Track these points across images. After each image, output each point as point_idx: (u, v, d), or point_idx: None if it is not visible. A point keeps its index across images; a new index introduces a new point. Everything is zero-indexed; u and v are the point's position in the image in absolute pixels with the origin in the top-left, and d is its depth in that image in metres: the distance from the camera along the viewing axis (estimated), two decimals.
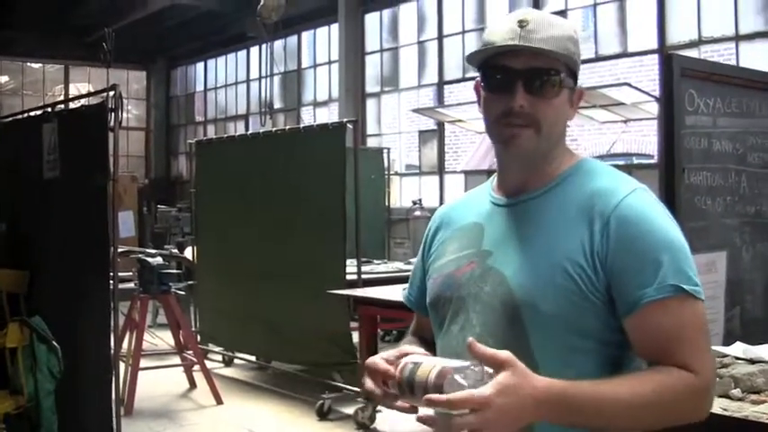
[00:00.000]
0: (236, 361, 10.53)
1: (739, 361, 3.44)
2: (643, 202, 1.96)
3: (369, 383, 1.94)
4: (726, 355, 3.46)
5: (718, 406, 2.93)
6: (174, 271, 10.01)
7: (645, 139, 14.52)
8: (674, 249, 1.91)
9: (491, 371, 1.72)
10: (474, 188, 2.35)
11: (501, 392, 1.69)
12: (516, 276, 1.97)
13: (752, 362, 3.41)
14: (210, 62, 22.94)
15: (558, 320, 1.91)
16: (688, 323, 1.89)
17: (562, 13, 12.67)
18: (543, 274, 1.93)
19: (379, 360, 1.93)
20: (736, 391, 3.12)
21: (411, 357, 1.85)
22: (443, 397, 1.68)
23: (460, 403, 1.67)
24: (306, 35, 19.16)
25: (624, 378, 1.87)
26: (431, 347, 2.19)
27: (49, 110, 6.25)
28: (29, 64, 22.87)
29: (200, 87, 23.65)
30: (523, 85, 1.98)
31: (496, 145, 2.11)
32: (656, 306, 1.86)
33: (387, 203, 13.32)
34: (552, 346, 1.93)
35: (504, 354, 1.73)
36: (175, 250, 13.00)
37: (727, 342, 3.78)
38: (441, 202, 13.95)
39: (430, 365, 1.76)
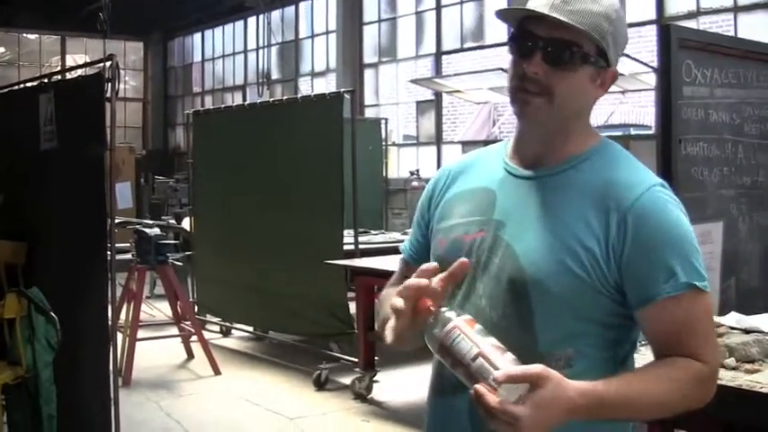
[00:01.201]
0: (233, 332, 10.57)
1: (734, 331, 3.46)
2: (659, 199, 1.96)
3: (399, 302, 1.86)
4: (720, 325, 3.48)
5: None
6: (172, 242, 10.03)
7: (643, 110, 14.51)
8: (688, 246, 1.93)
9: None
10: (484, 149, 2.32)
11: (537, 406, 1.69)
12: (528, 254, 1.96)
13: (746, 331, 3.43)
14: (208, 33, 22.88)
15: (564, 303, 1.92)
16: (699, 317, 1.94)
17: None
18: (556, 256, 1.92)
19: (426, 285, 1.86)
20: (731, 361, 3.14)
21: (458, 323, 1.80)
22: (487, 401, 1.68)
23: (496, 412, 1.68)
24: (303, 5, 19.08)
25: (647, 372, 1.92)
26: None
27: (46, 80, 6.23)
28: (25, 35, 22.79)
29: (197, 58, 23.59)
30: (542, 53, 1.95)
31: (514, 112, 2.07)
32: (670, 301, 1.89)
33: (384, 174, 13.31)
34: (556, 327, 1.94)
35: (537, 368, 1.72)
36: (173, 221, 13.02)
37: (723, 312, 3.79)
38: None
39: (470, 343, 1.76)
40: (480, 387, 1.69)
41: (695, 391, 1.91)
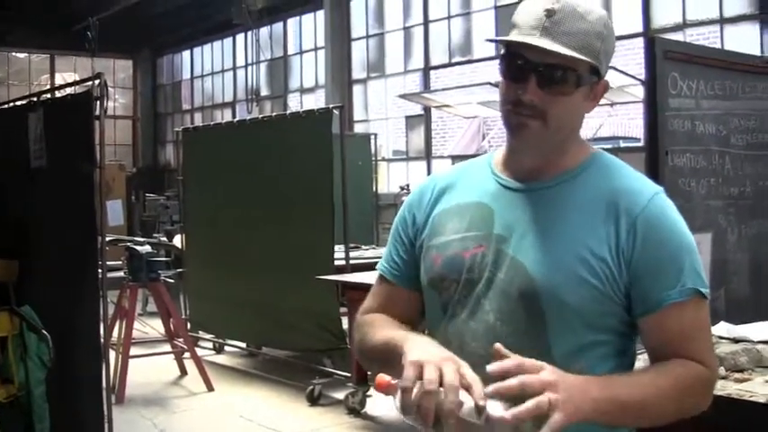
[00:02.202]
0: (226, 348, 10.55)
1: (723, 340, 3.49)
2: (665, 206, 1.99)
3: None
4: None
5: None
6: (164, 259, 10.04)
7: (632, 123, 14.56)
8: (692, 253, 1.96)
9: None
10: (466, 162, 2.29)
11: (560, 379, 1.75)
12: (538, 266, 1.95)
13: (735, 341, 3.46)
14: (197, 50, 22.90)
15: (578, 312, 1.92)
16: (702, 324, 1.98)
17: None
18: (567, 266, 1.92)
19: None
20: (720, 370, 3.16)
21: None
22: (515, 381, 1.71)
23: (531, 384, 1.72)
24: (291, 22, 19.11)
25: (656, 372, 1.93)
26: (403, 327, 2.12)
27: (35, 99, 6.24)
28: (14, 54, 22.78)
29: (186, 75, 23.60)
30: (536, 79, 1.94)
31: (506, 129, 2.06)
32: (677, 307, 1.92)
33: (374, 189, 13.33)
34: (569, 337, 1.94)
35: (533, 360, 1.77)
36: (164, 238, 13.01)
37: (712, 322, 3.80)
38: None
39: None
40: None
41: (701, 395, 1.95)
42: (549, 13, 1.93)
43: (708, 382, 1.96)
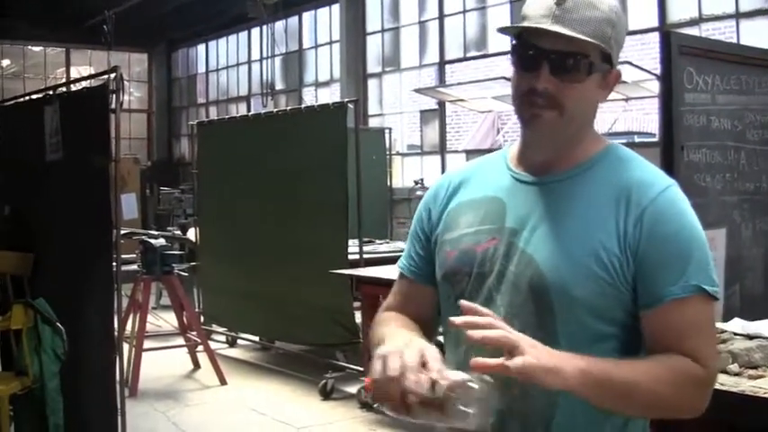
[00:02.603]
0: (239, 341, 10.58)
1: (737, 336, 3.47)
2: (676, 200, 1.96)
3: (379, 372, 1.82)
4: (724, 331, 3.49)
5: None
6: (177, 252, 10.05)
7: (647, 118, 14.50)
8: (701, 249, 1.93)
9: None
10: (481, 158, 2.30)
11: (543, 348, 1.78)
12: (549, 259, 1.94)
13: (750, 337, 3.44)
14: (212, 44, 22.91)
15: (587, 306, 1.91)
16: (704, 323, 1.94)
17: None
18: (577, 259, 1.92)
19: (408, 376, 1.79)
20: (734, 366, 3.15)
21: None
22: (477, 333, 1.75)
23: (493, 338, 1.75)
24: (307, 15, 19.11)
25: (645, 359, 1.91)
26: (420, 327, 2.15)
27: (51, 92, 6.26)
28: (30, 47, 22.84)
29: (201, 69, 23.61)
30: (549, 66, 1.94)
31: (520, 122, 2.07)
32: (678, 303, 1.89)
33: (389, 183, 13.33)
34: (579, 331, 1.93)
35: (514, 334, 1.78)
36: (178, 232, 13.03)
37: (727, 318, 3.80)
38: None
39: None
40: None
41: (689, 392, 1.90)
42: (560, 2, 1.94)
43: (702, 381, 1.91)
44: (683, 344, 1.89)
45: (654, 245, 1.90)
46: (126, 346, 7.76)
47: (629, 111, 14.14)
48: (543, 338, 1.88)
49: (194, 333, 9.23)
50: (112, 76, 5.59)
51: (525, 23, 1.98)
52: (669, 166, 3.98)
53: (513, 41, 2.04)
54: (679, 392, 1.87)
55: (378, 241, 10.39)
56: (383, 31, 17.13)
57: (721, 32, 11.61)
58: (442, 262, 2.14)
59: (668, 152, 4.07)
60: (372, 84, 17.35)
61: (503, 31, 2.08)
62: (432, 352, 1.82)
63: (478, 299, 2.01)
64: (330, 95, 17.76)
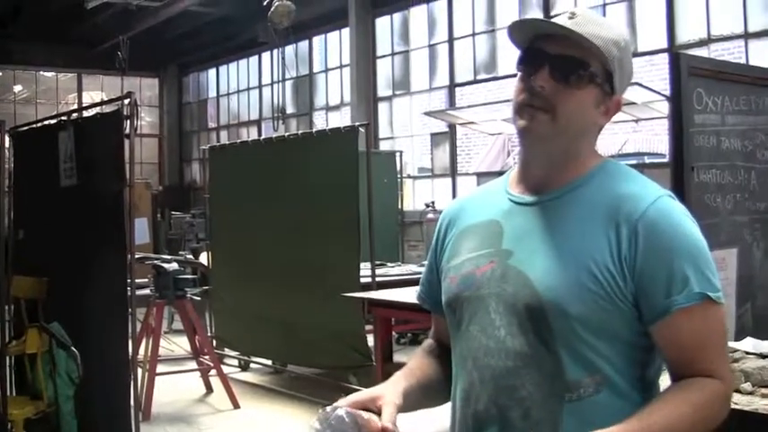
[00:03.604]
0: (252, 365, 10.58)
1: (749, 356, 3.47)
2: (669, 209, 1.95)
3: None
4: (736, 350, 3.49)
5: None
6: (190, 276, 10.06)
7: (656, 138, 14.53)
8: (700, 256, 1.92)
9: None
10: (485, 184, 2.33)
11: None
12: (542, 278, 1.94)
13: (762, 356, 3.45)
14: (222, 68, 22.98)
15: (585, 323, 1.89)
16: (713, 329, 1.91)
17: None
18: (570, 276, 1.90)
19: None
20: (747, 385, 3.16)
21: None
22: None
23: None
24: (317, 40, 19.19)
25: (666, 401, 1.88)
26: (446, 353, 2.19)
27: (65, 118, 6.31)
28: (42, 73, 22.96)
29: (212, 93, 23.68)
30: (550, 68, 1.97)
31: (517, 132, 2.07)
32: (683, 313, 1.87)
33: (400, 206, 13.36)
34: (579, 350, 1.91)
35: None
36: (190, 256, 13.07)
37: (739, 338, 3.80)
38: None
39: None
40: None
41: (714, 412, 1.89)
42: (572, 16, 1.99)
43: (724, 396, 1.91)
44: (696, 359, 1.89)
45: (650, 258, 1.89)
46: (139, 371, 7.78)
47: (638, 132, 14.18)
48: (545, 357, 1.90)
49: (207, 357, 9.24)
50: (126, 101, 5.64)
51: (538, 21, 2.04)
52: (680, 186, 4.00)
53: (522, 51, 2.08)
54: (702, 419, 1.87)
55: (390, 264, 10.41)
56: (393, 54, 17.18)
57: (730, 53, 11.64)
58: (447, 289, 2.15)
59: (679, 173, 4.08)
60: (383, 107, 17.39)
61: (513, 32, 2.09)
62: (388, 398, 1.97)
63: (479, 321, 2.03)
64: (341, 119, 17.80)
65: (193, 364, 9.44)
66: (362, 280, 8.48)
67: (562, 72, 1.97)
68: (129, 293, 5.73)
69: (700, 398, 1.86)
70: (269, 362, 10.38)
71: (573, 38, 1.96)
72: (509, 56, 13.14)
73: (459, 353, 2.09)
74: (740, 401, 2.99)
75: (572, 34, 1.95)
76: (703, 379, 1.88)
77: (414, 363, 2.25)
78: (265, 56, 20.28)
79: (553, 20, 2.00)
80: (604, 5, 13.06)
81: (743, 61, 10.72)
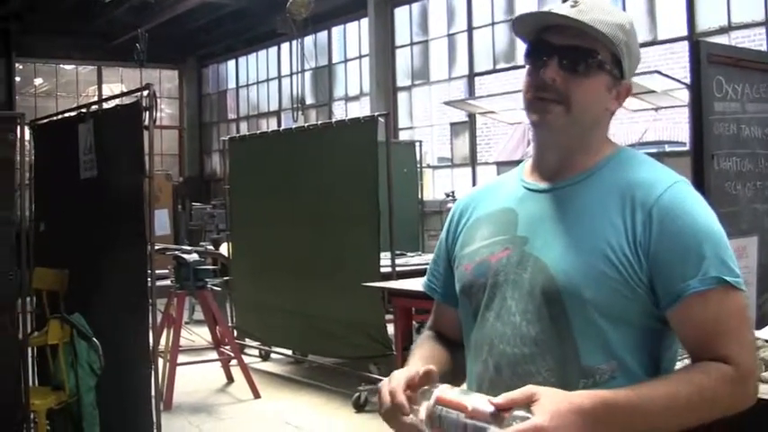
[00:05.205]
0: (272, 355, 10.60)
1: None
2: (683, 194, 1.95)
3: (386, 397, 1.96)
4: (757, 339, 3.48)
5: None
6: (210, 267, 10.10)
7: (677, 127, 14.46)
8: (715, 241, 1.91)
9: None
10: (498, 176, 2.34)
11: (545, 411, 1.71)
12: (558, 263, 1.94)
13: None
14: (241, 60, 23.01)
15: (601, 308, 1.90)
16: (730, 314, 1.88)
17: None
18: (586, 261, 1.91)
19: (400, 391, 1.95)
20: (767, 374, 3.15)
21: (438, 396, 1.85)
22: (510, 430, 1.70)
23: None
24: (336, 30, 19.18)
25: (664, 381, 1.87)
26: (449, 345, 2.23)
27: (85, 110, 6.34)
28: (62, 66, 23.03)
29: (231, 85, 23.71)
30: (558, 60, 1.98)
31: (531, 125, 2.08)
32: (699, 298, 1.86)
33: (420, 196, 13.35)
34: (594, 334, 1.91)
35: (525, 388, 1.76)
36: (211, 247, 13.10)
37: (760, 327, 3.78)
38: None
39: (455, 412, 1.79)
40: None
41: (727, 397, 1.85)
42: (575, 3, 1.99)
43: (736, 381, 1.85)
44: (712, 343, 1.87)
45: (665, 242, 1.89)
46: (160, 361, 7.81)
47: (659, 120, 14.11)
48: (561, 343, 1.91)
49: (228, 347, 9.28)
50: (145, 93, 5.66)
51: (541, 13, 2.03)
52: (700, 174, 3.99)
53: (528, 45, 2.08)
54: (706, 402, 1.84)
55: (410, 254, 10.38)
56: (412, 44, 17.16)
57: (751, 40, 11.57)
58: (461, 276, 2.17)
59: (699, 161, 4.06)
60: (402, 97, 17.38)
61: (517, 26, 2.09)
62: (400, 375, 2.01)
63: (495, 308, 2.04)
64: (360, 109, 17.80)
65: (214, 355, 9.48)
66: (382, 269, 8.47)
67: (571, 62, 1.98)
68: (149, 284, 5.75)
69: (702, 380, 1.84)
70: (289, 352, 10.41)
71: (578, 27, 1.96)
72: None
73: (475, 340, 2.09)
74: (761, 390, 2.96)
75: (577, 23, 1.96)
76: (712, 362, 1.86)
77: (424, 351, 2.27)
78: (284, 47, 20.28)
79: (556, 9, 2.00)
80: None
81: (764, 49, 10.65)
